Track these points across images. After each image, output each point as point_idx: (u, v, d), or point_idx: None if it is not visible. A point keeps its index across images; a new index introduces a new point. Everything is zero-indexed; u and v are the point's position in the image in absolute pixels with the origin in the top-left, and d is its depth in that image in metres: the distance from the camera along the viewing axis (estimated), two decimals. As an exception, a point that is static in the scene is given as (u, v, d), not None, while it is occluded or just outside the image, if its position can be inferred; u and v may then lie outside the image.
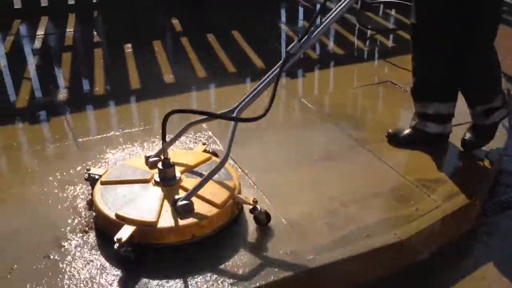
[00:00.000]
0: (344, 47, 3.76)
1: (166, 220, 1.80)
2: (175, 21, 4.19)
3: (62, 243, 1.85)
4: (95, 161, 2.35)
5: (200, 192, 1.87)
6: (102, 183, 1.99)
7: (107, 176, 2.03)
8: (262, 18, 4.26)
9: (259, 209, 1.90)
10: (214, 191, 1.92)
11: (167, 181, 1.94)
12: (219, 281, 1.69)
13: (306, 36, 1.99)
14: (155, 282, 1.69)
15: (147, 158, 2.06)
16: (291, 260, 1.78)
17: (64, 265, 1.76)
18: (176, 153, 2.15)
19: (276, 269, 1.74)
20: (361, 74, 3.34)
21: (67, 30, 3.97)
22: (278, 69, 1.96)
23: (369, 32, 4.05)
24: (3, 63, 3.41)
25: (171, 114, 1.83)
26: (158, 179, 1.95)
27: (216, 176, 1.93)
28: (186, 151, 2.35)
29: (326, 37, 3.93)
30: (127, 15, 4.19)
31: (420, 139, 2.47)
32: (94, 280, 1.70)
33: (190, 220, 1.80)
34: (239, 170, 2.26)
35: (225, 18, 4.19)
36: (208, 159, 2.14)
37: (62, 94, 3.01)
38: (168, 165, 1.93)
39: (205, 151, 2.26)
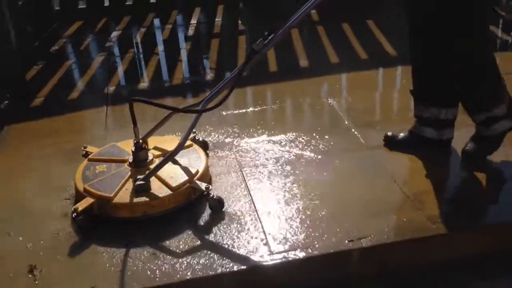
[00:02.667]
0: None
1: (122, 197, 2.00)
2: (312, 11, 4.42)
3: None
4: (227, 132, 2.67)
5: (161, 174, 2.06)
6: (89, 159, 2.25)
7: (96, 154, 2.29)
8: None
9: (211, 195, 2.02)
10: (173, 175, 2.08)
11: (138, 163, 2.15)
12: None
13: (273, 35, 2.04)
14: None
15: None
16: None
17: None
18: (160, 139, 2.33)
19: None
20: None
21: (216, 19, 4.41)
22: (241, 66, 2.05)
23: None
24: (160, 48, 3.94)
25: (133, 101, 2.05)
26: (131, 161, 2.17)
27: (185, 162, 2.14)
28: (172, 138, 2.44)
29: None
30: (269, 4, 4.51)
31: (416, 143, 2.35)
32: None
33: (142, 199, 1.99)
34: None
35: (359, 7, 4.31)
36: (189, 146, 2.28)
37: (209, 75, 3.42)
38: (139, 148, 2.14)
39: (194, 139, 2.39)
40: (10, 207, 2.16)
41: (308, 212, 2.02)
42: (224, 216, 2.03)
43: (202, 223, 2.01)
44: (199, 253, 1.85)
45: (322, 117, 2.84)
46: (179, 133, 2.48)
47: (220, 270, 1.78)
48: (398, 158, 2.34)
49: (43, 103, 3.12)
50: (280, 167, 2.33)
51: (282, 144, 2.54)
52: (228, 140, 2.58)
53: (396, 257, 1.92)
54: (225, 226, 1.98)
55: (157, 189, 2.03)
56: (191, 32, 4.22)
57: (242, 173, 2.29)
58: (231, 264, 1.80)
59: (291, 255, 1.82)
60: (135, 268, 1.80)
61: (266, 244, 1.88)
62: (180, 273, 1.77)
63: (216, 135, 2.63)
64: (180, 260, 1.82)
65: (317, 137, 2.58)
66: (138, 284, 1.74)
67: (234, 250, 1.86)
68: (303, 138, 2.57)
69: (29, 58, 3.62)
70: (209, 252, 1.85)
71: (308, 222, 1.97)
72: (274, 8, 4.45)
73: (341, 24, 4.04)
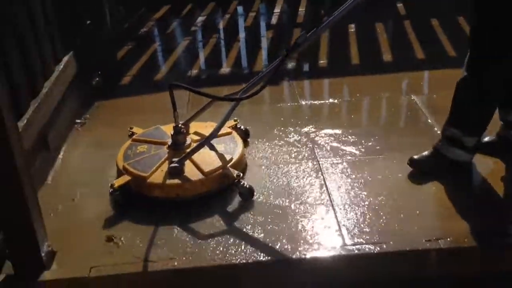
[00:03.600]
0: None
1: (156, 177, 2.06)
2: (400, 5, 4.30)
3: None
4: (304, 121, 2.67)
5: (196, 159, 2.10)
6: (133, 140, 2.32)
7: (140, 135, 2.36)
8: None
9: (241, 182, 2.03)
10: (208, 160, 2.11)
11: (176, 146, 2.20)
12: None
13: (315, 29, 2.01)
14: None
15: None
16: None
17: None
18: (202, 125, 2.36)
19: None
20: None
21: (300, 9, 4.41)
22: (282, 57, 2.03)
23: None
24: (242, 35, 4.00)
25: (173, 87, 2.14)
26: (170, 144, 2.22)
27: (222, 148, 2.19)
28: (214, 125, 2.37)
29: None
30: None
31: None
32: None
33: (175, 181, 2.03)
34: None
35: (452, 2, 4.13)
36: (227, 134, 2.32)
37: (289, 63, 3.42)
38: (178, 132, 2.19)
39: (235, 127, 2.42)
40: (91, 174, 2.31)
41: (384, 208, 1.99)
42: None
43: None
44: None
45: (404, 113, 2.76)
46: (235, 118, 2.49)
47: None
48: (482, 160, 2.24)
49: (131, 83, 3.28)
50: (356, 160, 2.30)
51: (360, 137, 2.50)
52: (304, 129, 2.59)
53: (472, 262, 1.85)
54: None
55: (190, 172, 2.07)
56: (273, 20, 4.25)
57: (319, 163, 2.29)
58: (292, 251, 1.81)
59: (366, 248, 1.81)
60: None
61: (340, 235, 1.88)
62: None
63: (292, 124, 2.65)
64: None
65: (398, 133, 2.53)
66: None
67: (308, 238, 1.88)
68: (382, 133, 2.53)
69: (120, 39, 3.81)
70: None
71: (384, 218, 1.94)
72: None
73: (430, 19, 3.90)
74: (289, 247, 1.82)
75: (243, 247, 1.83)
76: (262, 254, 1.80)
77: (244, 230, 1.92)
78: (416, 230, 1.87)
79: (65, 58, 2.65)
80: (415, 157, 2.18)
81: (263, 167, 2.29)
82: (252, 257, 1.79)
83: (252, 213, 2.00)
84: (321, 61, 3.43)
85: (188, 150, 2.15)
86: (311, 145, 2.44)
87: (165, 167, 2.10)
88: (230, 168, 2.10)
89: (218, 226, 1.95)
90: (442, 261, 1.82)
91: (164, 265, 1.77)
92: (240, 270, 1.78)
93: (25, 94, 2.14)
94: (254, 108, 2.82)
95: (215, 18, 4.39)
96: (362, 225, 1.91)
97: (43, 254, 1.74)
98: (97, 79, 3.24)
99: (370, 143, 2.44)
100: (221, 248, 1.83)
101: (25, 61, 2.17)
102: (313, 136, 2.52)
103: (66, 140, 2.57)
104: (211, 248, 1.83)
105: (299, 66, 3.37)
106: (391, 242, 1.82)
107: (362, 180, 2.16)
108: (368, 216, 1.95)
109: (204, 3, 4.64)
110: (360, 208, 2.00)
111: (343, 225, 1.92)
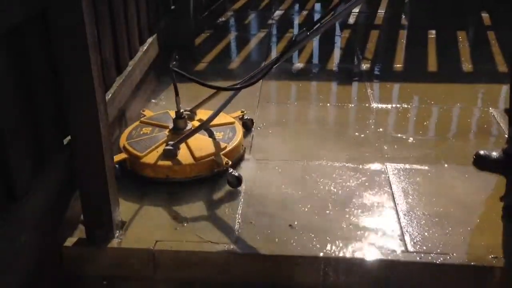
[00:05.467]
0: None
1: (149, 157, 2.14)
2: (485, 15, 4.14)
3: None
4: (374, 123, 2.65)
5: (191, 144, 2.18)
6: (140, 121, 2.41)
7: (147, 117, 2.44)
8: None
9: (230, 170, 2.09)
10: (201, 146, 2.18)
11: (176, 130, 2.27)
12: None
13: (316, 26, 1.99)
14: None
15: (185, 111, 2.34)
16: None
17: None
18: (207, 113, 2.36)
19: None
20: None
21: (379, 11, 4.35)
22: (281, 52, 2.03)
23: None
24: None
25: (172, 71, 2.22)
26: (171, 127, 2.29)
27: (220, 136, 2.27)
28: (220, 114, 2.42)
29: None
30: (435, 3, 4.33)
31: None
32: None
33: (165, 163, 2.11)
34: None
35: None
36: (230, 123, 2.38)
37: (362, 64, 3.40)
38: (179, 117, 2.26)
39: (241, 117, 2.51)
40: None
41: (451, 218, 1.95)
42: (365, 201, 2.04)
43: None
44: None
45: (479, 125, 2.68)
46: (242, 109, 2.60)
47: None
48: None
49: (205, 68, 3.37)
50: (424, 167, 2.26)
51: (430, 144, 2.46)
52: (373, 132, 2.57)
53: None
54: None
55: (183, 156, 2.15)
56: (351, 20, 4.22)
57: (385, 165, 2.27)
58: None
59: (427, 258, 1.78)
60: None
61: (402, 240, 1.86)
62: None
63: (362, 126, 2.64)
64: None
65: (471, 144, 2.46)
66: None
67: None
68: (454, 143, 2.47)
69: (199, 26, 3.92)
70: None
71: (450, 229, 1.90)
72: (438, 5, 4.27)
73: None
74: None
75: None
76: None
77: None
78: (483, 245, 1.82)
79: (149, 40, 2.77)
80: (482, 152, 2.18)
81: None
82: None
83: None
84: (396, 65, 3.38)
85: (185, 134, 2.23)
86: (378, 146, 2.42)
87: (161, 149, 2.18)
88: (221, 156, 2.15)
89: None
90: (506, 280, 1.76)
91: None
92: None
93: (112, 70, 2.26)
94: (323, 105, 2.84)
95: (292, 13, 4.41)
96: (426, 233, 1.88)
97: (114, 223, 1.84)
98: (174, 62, 3.36)
99: (440, 152, 2.38)
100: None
101: (115, 40, 2.29)
102: (382, 137, 2.50)
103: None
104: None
105: (371, 67, 3.34)
106: (454, 254, 1.78)
107: (431, 188, 2.12)
108: (434, 226, 1.91)
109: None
110: (425, 216, 1.96)
111: (406, 231, 1.89)
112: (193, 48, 3.54)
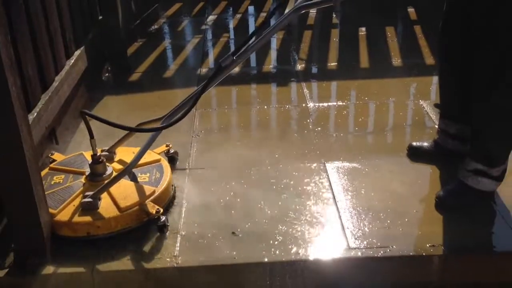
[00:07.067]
0: None
1: (65, 214, 1.83)
2: (411, 10, 4.30)
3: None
4: (311, 124, 2.68)
5: (114, 192, 1.89)
6: (50, 168, 2.09)
7: (58, 163, 2.12)
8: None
9: (162, 219, 1.86)
10: (127, 194, 1.90)
11: (93, 177, 1.97)
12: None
13: (243, 49, 1.85)
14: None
15: (102, 151, 2.07)
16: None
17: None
18: (128, 151, 2.13)
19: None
20: None
21: (311, 11, 4.41)
22: (206, 82, 1.87)
23: None
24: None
25: (83, 114, 1.91)
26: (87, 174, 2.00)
27: (145, 179, 1.98)
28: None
29: None
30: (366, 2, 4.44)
31: (471, 198, 2.01)
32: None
33: (85, 219, 1.82)
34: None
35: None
36: (156, 161, 2.11)
37: (298, 65, 3.43)
38: (96, 161, 1.96)
39: (167, 152, 2.26)
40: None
41: (389, 211, 1.99)
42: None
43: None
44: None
45: (411, 118, 2.76)
46: (167, 143, 2.32)
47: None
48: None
49: (140, 78, 3.29)
50: (362, 162, 2.30)
51: (367, 140, 2.52)
52: (312, 131, 2.59)
53: (479, 270, 1.85)
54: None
55: (106, 208, 1.86)
56: (285, 21, 4.25)
57: (324, 164, 2.30)
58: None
59: (368, 252, 1.81)
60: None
61: (344, 237, 1.88)
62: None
63: (301, 126, 2.66)
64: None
65: (405, 137, 2.53)
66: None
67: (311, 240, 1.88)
68: (388, 137, 2.54)
69: (131, 35, 3.83)
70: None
71: (388, 222, 1.95)
72: (367, 3, 4.38)
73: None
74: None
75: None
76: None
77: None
78: (421, 235, 1.88)
79: (77, 53, 2.68)
80: (414, 144, 2.31)
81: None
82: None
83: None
84: (329, 64, 3.43)
85: (106, 182, 1.92)
86: (315, 148, 2.44)
87: (78, 201, 1.88)
88: (150, 203, 1.89)
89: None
90: (445, 267, 1.82)
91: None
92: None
93: (36, 87, 2.16)
94: (261, 108, 2.85)
95: (226, 17, 4.40)
96: (366, 228, 1.91)
97: (47, 247, 1.77)
98: (107, 74, 3.27)
99: (376, 147, 2.45)
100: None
101: (38, 56, 2.19)
102: (318, 137, 2.53)
103: (74, 135, 2.59)
104: None
105: (307, 67, 3.37)
106: (394, 247, 1.82)
107: (367, 184, 2.16)
108: (372, 220, 1.95)
109: (215, 2, 4.66)
110: (364, 212, 2.00)
111: (347, 227, 1.92)
112: (125, 58, 3.45)
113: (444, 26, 2.07)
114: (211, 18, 4.36)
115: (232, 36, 4.03)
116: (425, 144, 2.33)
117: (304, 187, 2.15)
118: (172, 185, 2.11)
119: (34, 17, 2.18)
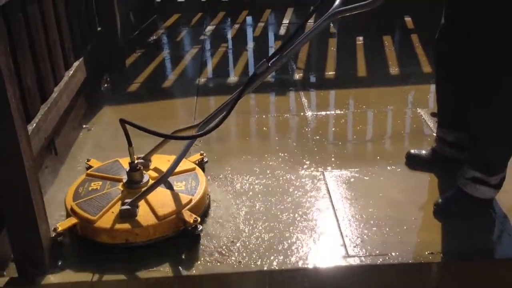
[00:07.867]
0: None
1: (104, 221, 1.84)
2: (408, 19, 4.33)
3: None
4: (309, 132, 2.69)
5: (151, 200, 1.89)
6: (87, 174, 2.10)
7: (95, 169, 2.13)
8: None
9: (199, 228, 1.86)
10: (164, 202, 1.90)
11: (131, 184, 1.98)
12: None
13: (278, 56, 1.85)
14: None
15: (138, 158, 2.05)
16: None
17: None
18: (164, 159, 2.13)
19: None
20: None
21: (309, 21, 4.43)
22: (241, 89, 1.87)
23: None
24: (251, 45, 4.04)
25: (122, 122, 1.89)
26: (125, 181, 2.00)
27: (182, 187, 1.98)
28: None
29: None
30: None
31: (470, 205, 2.01)
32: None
33: (124, 226, 1.82)
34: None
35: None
36: (191, 170, 2.11)
37: (296, 74, 3.45)
38: (134, 169, 1.96)
39: (201, 161, 2.27)
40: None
41: (388, 219, 2.00)
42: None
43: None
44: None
45: (409, 126, 2.77)
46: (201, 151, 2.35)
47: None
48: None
49: (139, 89, 3.31)
50: (361, 170, 2.31)
51: (365, 148, 2.53)
52: (310, 140, 2.60)
53: (478, 277, 1.85)
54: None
55: (144, 216, 1.86)
56: (282, 31, 4.29)
57: (323, 172, 2.30)
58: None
59: (367, 260, 1.81)
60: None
61: (343, 245, 1.88)
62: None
63: (300, 135, 2.67)
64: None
65: (403, 145, 2.54)
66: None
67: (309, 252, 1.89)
68: (386, 145, 2.55)
69: (129, 46, 3.85)
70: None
71: (387, 229, 1.95)
72: (364, 12, 4.41)
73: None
74: None
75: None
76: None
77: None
78: (420, 243, 1.88)
79: (75, 64, 2.69)
80: (412, 152, 2.31)
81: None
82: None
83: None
84: (326, 72, 3.45)
85: (143, 189, 1.92)
86: (316, 156, 2.45)
87: (117, 208, 1.88)
88: (187, 212, 1.89)
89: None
90: (444, 274, 1.82)
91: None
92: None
93: (36, 98, 2.17)
94: (260, 117, 2.86)
95: (224, 27, 4.43)
96: (365, 236, 1.91)
97: (46, 256, 1.76)
98: (106, 85, 3.28)
99: (374, 155, 2.46)
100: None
101: (37, 68, 2.20)
102: (318, 146, 2.54)
103: (73, 145, 2.60)
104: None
105: (305, 76, 3.39)
106: (393, 254, 1.82)
107: (368, 192, 2.16)
108: (371, 228, 1.95)
109: (213, 12, 4.70)
110: (363, 220, 2.00)
111: (346, 235, 1.92)
112: (124, 69, 3.47)
113: (441, 35, 2.08)
114: (209, 28, 4.39)
115: (230, 46, 4.06)
116: (423, 152, 2.34)
117: (303, 196, 2.16)
118: (208, 195, 2.09)
119: (33, 29, 2.19)
